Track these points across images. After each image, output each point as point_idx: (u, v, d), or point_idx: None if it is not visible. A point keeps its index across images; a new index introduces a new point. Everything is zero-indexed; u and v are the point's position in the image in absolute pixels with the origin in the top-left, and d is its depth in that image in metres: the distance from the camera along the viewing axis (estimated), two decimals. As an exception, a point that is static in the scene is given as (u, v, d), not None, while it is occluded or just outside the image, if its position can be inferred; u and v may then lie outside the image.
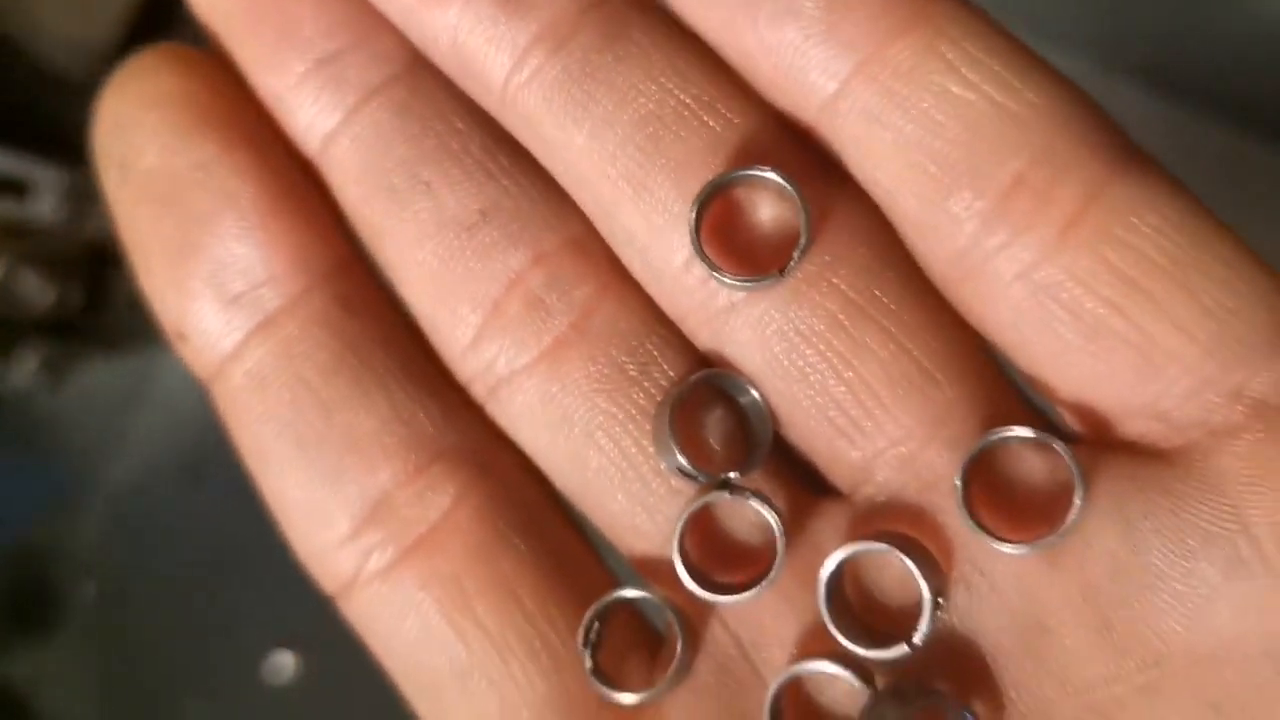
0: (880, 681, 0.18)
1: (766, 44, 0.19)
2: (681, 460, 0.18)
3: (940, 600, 0.17)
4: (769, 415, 0.19)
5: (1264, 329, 0.17)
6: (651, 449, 0.19)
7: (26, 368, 0.42)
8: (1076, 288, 0.17)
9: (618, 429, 0.19)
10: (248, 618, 0.42)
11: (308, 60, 0.20)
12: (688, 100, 0.19)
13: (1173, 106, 0.41)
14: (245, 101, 0.21)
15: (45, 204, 0.41)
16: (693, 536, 0.19)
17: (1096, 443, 0.18)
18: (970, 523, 0.17)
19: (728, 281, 0.18)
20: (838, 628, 0.18)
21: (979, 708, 0.17)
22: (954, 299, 0.19)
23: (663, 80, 0.19)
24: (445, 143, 0.20)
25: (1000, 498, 0.18)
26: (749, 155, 0.19)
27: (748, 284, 0.18)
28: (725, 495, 0.18)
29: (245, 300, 0.20)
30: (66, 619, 0.43)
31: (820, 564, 0.18)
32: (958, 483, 0.17)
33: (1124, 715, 0.17)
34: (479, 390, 0.20)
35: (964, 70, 0.18)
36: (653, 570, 0.19)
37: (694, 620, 0.19)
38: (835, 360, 0.18)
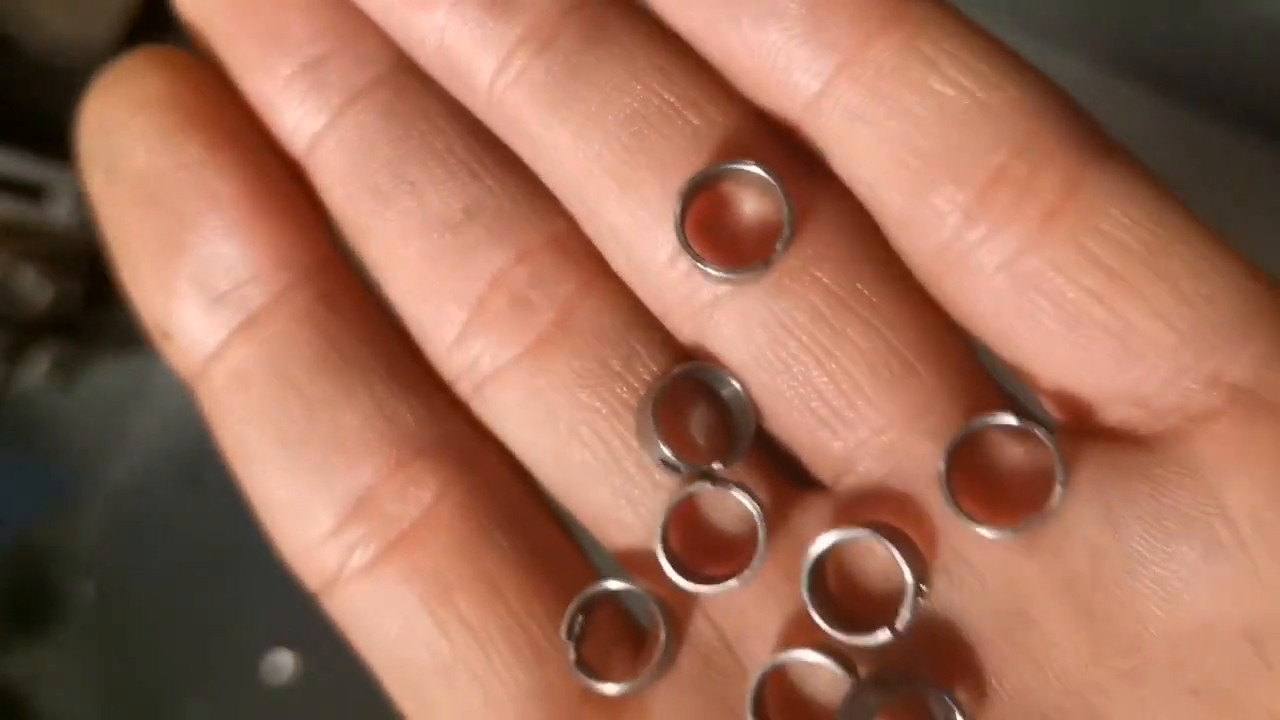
0: (863, 671, 0.18)
1: (750, 44, 0.19)
2: (665, 451, 0.18)
3: (923, 587, 0.17)
4: (751, 407, 0.19)
5: (1238, 315, 0.17)
6: (635, 443, 0.19)
7: (39, 369, 0.42)
8: (1058, 278, 0.17)
9: (601, 423, 0.19)
10: (247, 617, 0.42)
11: (294, 63, 0.20)
12: (671, 99, 0.19)
13: (1173, 106, 0.41)
14: (230, 103, 0.21)
15: (62, 207, 0.41)
16: (676, 529, 0.19)
17: (1078, 430, 0.18)
18: (953, 506, 0.17)
19: (712, 274, 0.18)
20: (820, 615, 0.18)
21: (961, 695, 0.17)
22: (937, 292, 0.19)
23: (646, 79, 0.19)
24: (429, 143, 0.20)
25: (982, 485, 0.18)
26: (732, 152, 0.19)
27: (732, 275, 0.18)
28: (708, 486, 0.18)
29: (229, 299, 0.20)
30: (66, 619, 0.43)
31: (802, 555, 0.18)
32: (941, 467, 0.17)
33: (1105, 701, 0.17)
34: (464, 387, 0.20)
35: (944, 67, 0.18)
36: (636, 564, 0.19)
37: (677, 612, 0.19)
38: (818, 351, 0.18)
